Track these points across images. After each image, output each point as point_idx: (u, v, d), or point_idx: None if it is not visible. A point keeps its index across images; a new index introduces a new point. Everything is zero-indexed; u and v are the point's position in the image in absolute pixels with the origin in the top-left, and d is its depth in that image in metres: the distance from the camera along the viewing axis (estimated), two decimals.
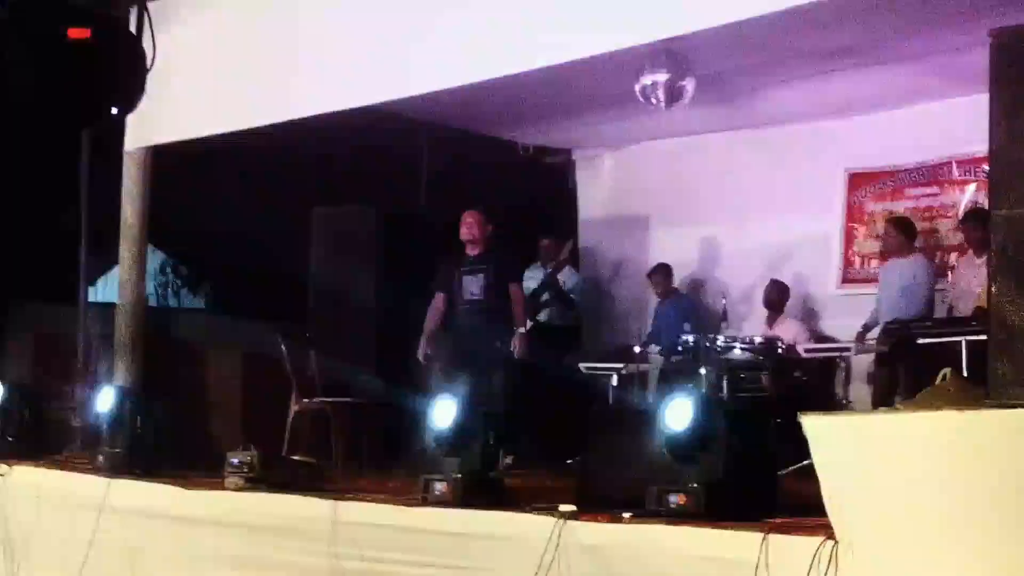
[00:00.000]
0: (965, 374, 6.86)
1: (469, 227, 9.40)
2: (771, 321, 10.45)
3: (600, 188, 12.64)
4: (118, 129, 9.17)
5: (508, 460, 7.64)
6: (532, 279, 10.88)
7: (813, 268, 11.10)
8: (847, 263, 11.15)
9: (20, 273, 10.15)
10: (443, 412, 6.47)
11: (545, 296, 10.93)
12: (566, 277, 11.23)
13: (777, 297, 10.53)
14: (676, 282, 11.35)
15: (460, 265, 9.43)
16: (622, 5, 6.52)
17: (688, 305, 11.15)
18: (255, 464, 7.10)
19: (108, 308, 9.93)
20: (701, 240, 11.70)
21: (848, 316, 10.46)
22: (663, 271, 11.24)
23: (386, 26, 7.63)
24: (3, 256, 10.18)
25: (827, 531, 4.57)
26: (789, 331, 10.14)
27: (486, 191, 10.24)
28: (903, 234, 9.93)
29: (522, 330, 9.37)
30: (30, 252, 10.05)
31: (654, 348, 10.79)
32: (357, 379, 9.40)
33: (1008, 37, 4.68)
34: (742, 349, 9.38)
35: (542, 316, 10.91)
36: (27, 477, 8.30)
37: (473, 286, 9.36)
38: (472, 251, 9.45)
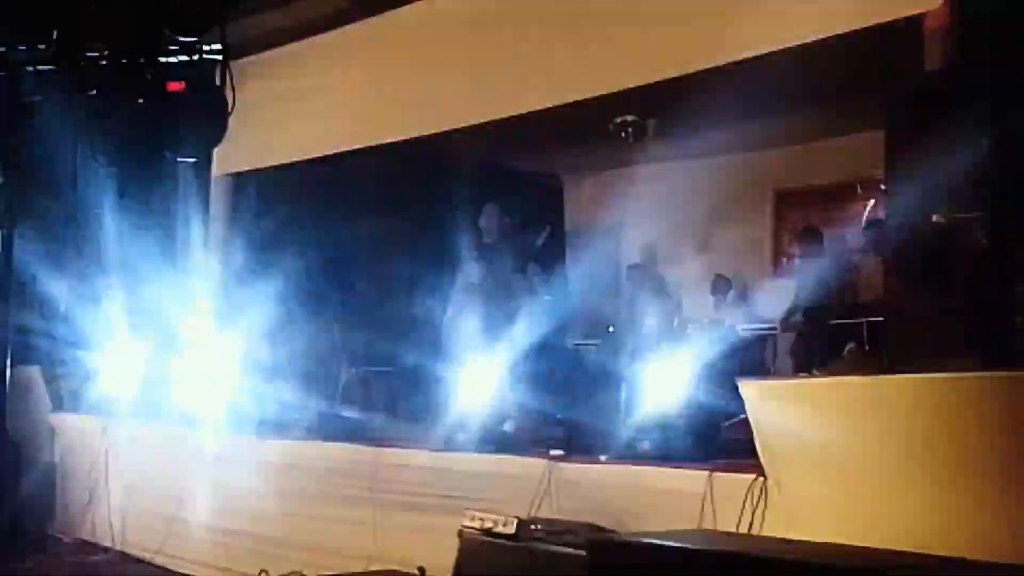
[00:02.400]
0: (866, 348, 6.87)
1: (488, 218, 8.56)
2: (717, 306, 10.44)
3: (582, 203, 12.66)
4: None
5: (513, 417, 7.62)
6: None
7: (749, 264, 11.14)
8: (776, 261, 11.18)
9: None
10: (467, 378, 6.49)
11: None
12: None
13: (722, 287, 10.54)
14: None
15: (477, 251, 8.61)
16: (598, 60, 6.54)
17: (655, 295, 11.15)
18: (315, 419, 7.11)
19: None
20: (662, 244, 11.68)
21: (776, 303, 10.49)
22: (639, 268, 11.24)
23: (412, 78, 7.65)
24: None
25: (759, 471, 4.58)
26: (732, 314, 10.15)
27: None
28: (814, 239, 9.99)
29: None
30: None
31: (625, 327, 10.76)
32: (395, 351, 9.35)
33: (898, 97, 5.00)
34: (693, 329, 9.39)
35: None
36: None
37: (485, 270, 8.52)
38: (488, 239, 8.60)
